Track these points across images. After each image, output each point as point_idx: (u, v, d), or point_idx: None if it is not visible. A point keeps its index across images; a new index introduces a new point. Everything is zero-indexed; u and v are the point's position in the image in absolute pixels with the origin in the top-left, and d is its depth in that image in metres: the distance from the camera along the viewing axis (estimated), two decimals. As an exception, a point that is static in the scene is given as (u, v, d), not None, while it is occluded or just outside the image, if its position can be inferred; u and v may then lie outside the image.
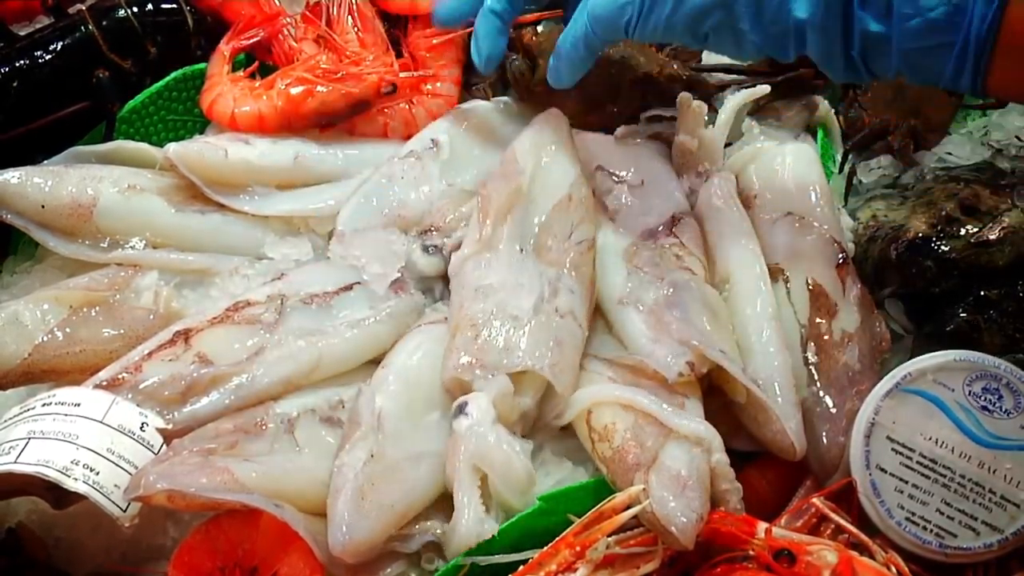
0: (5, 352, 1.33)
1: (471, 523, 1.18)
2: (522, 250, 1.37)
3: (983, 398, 1.26)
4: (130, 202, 1.48)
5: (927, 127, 1.64)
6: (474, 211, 1.43)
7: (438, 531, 1.22)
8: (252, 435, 1.27)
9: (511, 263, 1.35)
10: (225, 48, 1.67)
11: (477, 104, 1.66)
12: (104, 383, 1.29)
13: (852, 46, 1.22)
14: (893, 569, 1.20)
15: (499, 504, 1.22)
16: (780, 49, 1.28)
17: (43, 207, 1.46)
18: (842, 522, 1.24)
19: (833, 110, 1.65)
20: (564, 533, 1.18)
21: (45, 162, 1.53)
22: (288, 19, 1.70)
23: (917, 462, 1.26)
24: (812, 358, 1.36)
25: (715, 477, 1.24)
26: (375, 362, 1.36)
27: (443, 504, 1.25)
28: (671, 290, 1.35)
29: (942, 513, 1.25)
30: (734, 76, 1.66)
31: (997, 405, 1.26)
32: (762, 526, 1.20)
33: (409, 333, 1.38)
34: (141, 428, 1.25)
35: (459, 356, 1.28)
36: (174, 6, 1.67)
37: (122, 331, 1.37)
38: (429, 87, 1.67)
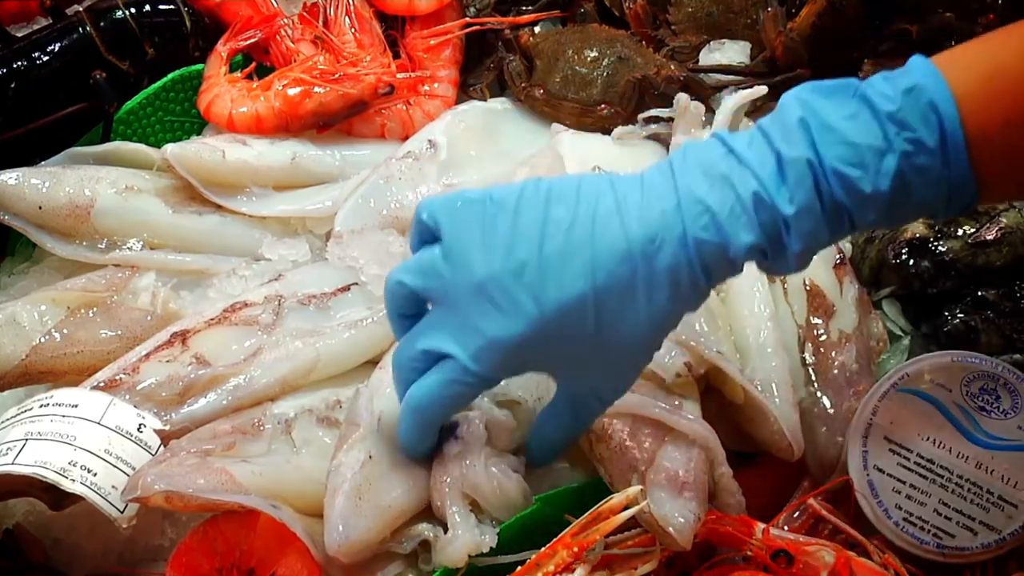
0: (2, 353, 1.33)
1: (467, 534, 1.17)
2: None
3: (981, 399, 1.26)
4: (128, 203, 1.48)
5: (925, 127, 1.64)
6: None
7: (430, 534, 1.21)
8: (250, 436, 1.26)
9: None
10: (223, 49, 1.67)
11: (474, 105, 1.66)
12: (102, 384, 1.29)
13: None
14: (890, 569, 1.20)
15: (491, 519, 1.21)
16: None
17: (40, 208, 1.45)
18: (839, 522, 1.24)
19: (830, 111, 1.65)
20: (561, 534, 1.18)
21: (42, 163, 1.53)
22: (285, 20, 1.70)
23: (915, 462, 1.26)
24: (809, 358, 1.36)
25: (720, 491, 1.24)
26: (373, 363, 1.36)
27: (440, 505, 1.24)
28: (668, 290, 1.35)
29: (939, 513, 1.24)
30: (731, 77, 1.65)
31: (995, 405, 1.26)
32: (760, 526, 1.20)
33: (407, 334, 1.38)
34: (139, 429, 1.25)
35: None
36: (172, 7, 1.67)
37: (120, 332, 1.37)
38: (426, 88, 1.67)
